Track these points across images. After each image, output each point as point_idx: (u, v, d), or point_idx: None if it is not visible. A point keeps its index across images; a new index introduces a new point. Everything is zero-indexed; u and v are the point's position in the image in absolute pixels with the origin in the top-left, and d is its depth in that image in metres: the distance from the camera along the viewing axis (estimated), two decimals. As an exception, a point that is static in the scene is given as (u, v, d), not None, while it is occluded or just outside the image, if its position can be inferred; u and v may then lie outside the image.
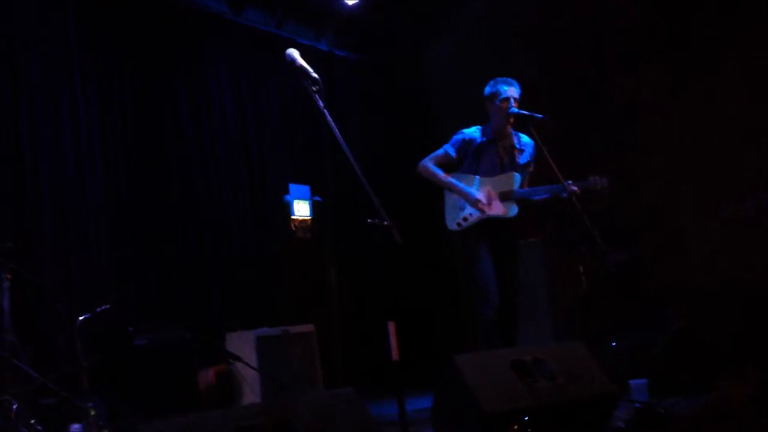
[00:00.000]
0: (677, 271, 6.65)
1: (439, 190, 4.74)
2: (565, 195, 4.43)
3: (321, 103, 3.16)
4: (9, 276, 4.14)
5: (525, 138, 4.79)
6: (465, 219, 4.59)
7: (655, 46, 6.89)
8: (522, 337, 4.67)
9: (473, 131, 4.73)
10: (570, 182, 4.40)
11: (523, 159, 4.76)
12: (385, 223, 3.12)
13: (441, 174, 4.69)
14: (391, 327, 3.19)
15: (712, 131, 6.64)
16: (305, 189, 7.07)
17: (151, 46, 6.35)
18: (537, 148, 4.51)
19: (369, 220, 3.14)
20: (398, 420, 3.15)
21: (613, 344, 5.05)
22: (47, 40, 5.67)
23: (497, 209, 4.59)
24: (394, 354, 3.18)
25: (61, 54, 5.73)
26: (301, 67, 3.20)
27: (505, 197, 4.61)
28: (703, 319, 5.22)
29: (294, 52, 3.23)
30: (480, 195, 4.57)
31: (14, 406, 3.89)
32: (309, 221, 7.01)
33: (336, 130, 3.15)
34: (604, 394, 3.46)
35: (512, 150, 4.75)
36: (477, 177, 4.66)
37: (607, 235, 4.34)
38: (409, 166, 4.82)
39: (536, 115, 4.47)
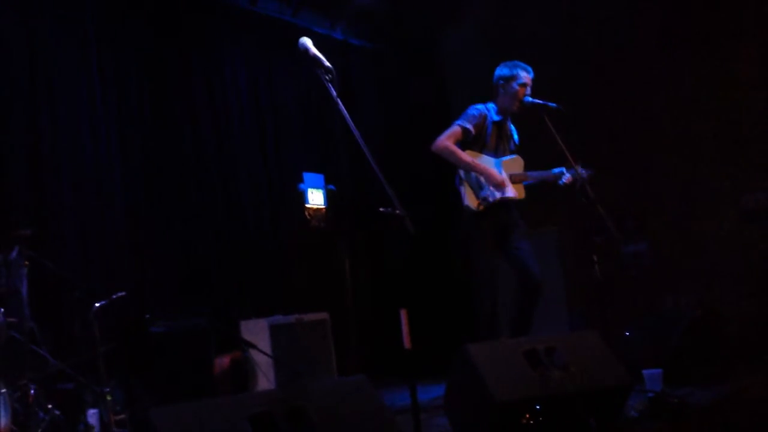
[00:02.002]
0: (693, 261, 6.61)
1: (453, 176, 4.68)
2: (560, 183, 4.48)
3: (334, 92, 3.16)
4: (27, 263, 4.18)
5: (511, 124, 4.79)
6: (485, 199, 4.52)
7: (675, 35, 6.82)
8: (536, 327, 4.65)
9: (484, 108, 4.66)
10: (563, 169, 4.42)
11: (515, 144, 4.78)
12: (398, 212, 3.12)
13: (462, 153, 4.52)
14: (404, 315, 3.20)
15: (732, 121, 6.58)
16: (319, 178, 7.08)
17: (167, 34, 6.38)
18: (542, 134, 4.45)
19: (382, 209, 3.15)
20: (410, 408, 3.17)
21: (627, 333, 5.03)
22: (65, 29, 5.71)
23: (510, 192, 4.57)
24: (407, 342, 3.19)
25: (79, 43, 5.77)
26: (315, 56, 3.21)
27: (515, 180, 4.60)
28: (718, 309, 5.19)
29: (307, 41, 3.24)
30: (503, 175, 4.55)
31: (32, 391, 3.95)
32: (323, 210, 7.02)
33: (349, 119, 3.15)
34: (617, 384, 3.45)
35: (509, 134, 4.75)
36: (485, 157, 4.61)
37: (622, 224, 4.33)
38: (423, 155, 4.78)
39: (550, 103, 4.44)
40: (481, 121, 4.59)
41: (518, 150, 4.79)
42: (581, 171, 4.40)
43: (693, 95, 6.76)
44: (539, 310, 4.64)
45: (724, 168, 6.60)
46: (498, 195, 4.50)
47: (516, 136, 4.82)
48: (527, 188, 4.70)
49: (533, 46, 7.03)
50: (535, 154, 4.57)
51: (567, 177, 4.50)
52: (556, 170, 4.56)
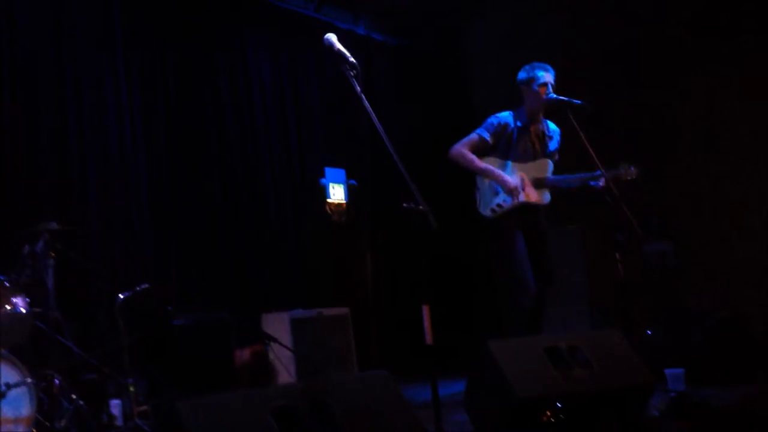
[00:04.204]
0: (717, 261, 6.55)
1: (472, 176, 4.68)
2: (594, 184, 4.42)
3: (358, 88, 3.17)
4: (54, 255, 4.23)
5: (552, 125, 4.75)
6: (499, 206, 4.52)
7: (703, 31, 6.74)
8: (558, 324, 4.64)
9: (507, 116, 4.65)
10: (600, 172, 4.36)
11: (552, 146, 4.72)
12: (421, 207, 3.13)
13: (475, 160, 4.58)
14: (426, 311, 3.21)
15: (760, 119, 6.50)
16: (341, 173, 7.10)
17: (193, 28, 6.42)
18: (574, 134, 4.40)
19: (405, 205, 3.16)
20: (431, 403, 3.18)
21: (649, 332, 5.00)
22: (91, 21, 5.77)
23: (532, 196, 4.54)
24: (428, 338, 3.19)
25: (105, 36, 5.82)
26: (339, 51, 3.22)
27: (538, 184, 4.57)
28: (742, 309, 5.14)
29: (332, 37, 3.25)
30: (516, 181, 4.53)
31: (57, 381, 4.00)
32: (344, 205, 7.05)
33: (372, 115, 3.16)
34: (639, 383, 3.43)
35: (543, 136, 4.70)
36: (509, 163, 4.59)
37: (647, 222, 4.27)
38: (446, 152, 4.78)
39: (574, 100, 4.40)
40: (500, 130, 4.60)
41: (555, 153, 4.72)
42: (632, 170, 4.36)
43: (721, 92, 6.68)
44: (561, 307, 4.61)
45: (750, 167, 6.52)
46: (511, 200, 4.49)
47: (557, 138, 4.75)
48: (562, 189, 4.65)
49: (557, 44, 6.99)
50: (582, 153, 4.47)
51: (601, 184, 4.40)
52: (595, 173, 4.47)
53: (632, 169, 4.39)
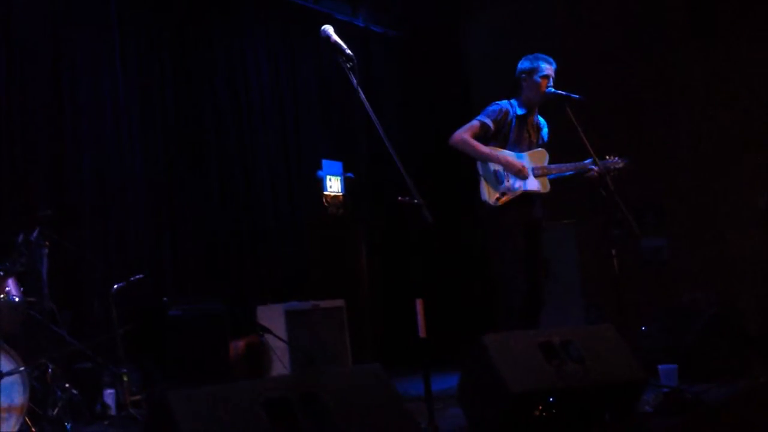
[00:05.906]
0: (712, 257, 6.56)
1: (472, 168, 4.65)
2: (591, 173, 4.41)
3: (355, 80, 3.16)
4: (48, 244, 4.23)
5: (541, 118, 4.74)
6: (503, 194, 4.48)
7: (700, 27, 6.74)
8: (552, 320, 4.63)
9: (506, 104, 4.63)
10: (590, 160, 4.37)
11: (544, 137, 4.72)
12: (416, 201, 3.12)
13: (479, 145, 4.49)
14: (420, 305, 3.21)
15: (757, 115, 6.50)
16: (338, 165, 7.09)
17: (190, 18, 6.40)
18: (571, 129, 4.38)
19: (400, 198, 3.15)
20: (424, 397, 3.18)
21: (643, 328, 5.01)
22: (88, 11, 5.74)
23: (533, 184, 4.52)
24: (422, 332, 3.20)
25: (102, 25, 5.80)
26: (336, 43, 3.20)
27: (538, 173, 4.56)
28: (736, 305, 5.15)
29: (329, 29, 3.23)
30: (522, 162, 4.51)
31: (50, 370, 4.00)
32: (341, 197, 7.04)
33: (369, 107, 3.15)
34: (632, 379, 3.44)
35: (537, 127, 4.70)
36: (507, 151, 4.57)
37: (642, 218, 4.28)
38: (443, 145, 4.76)
39: (573, 95, 4.39)
40: (502, 117, 4.56)
41: (546, 145, 4.72)
42: (617, 160, 4.37)
43: (718, 89, 6.69)
44: (556, 302, 4.62)
45: (746, 163, 6.53)
46: (518, 187, 4.46)
47: (546, 130, 4.75)
48: (556, 180, 4.65)
49: (556, 37, 6.98)
50: (575, 147, 4.48)
51: (594, 171, 4.41)
52: (588, 161, 4.48)
53: (617, 159, 4.39)
